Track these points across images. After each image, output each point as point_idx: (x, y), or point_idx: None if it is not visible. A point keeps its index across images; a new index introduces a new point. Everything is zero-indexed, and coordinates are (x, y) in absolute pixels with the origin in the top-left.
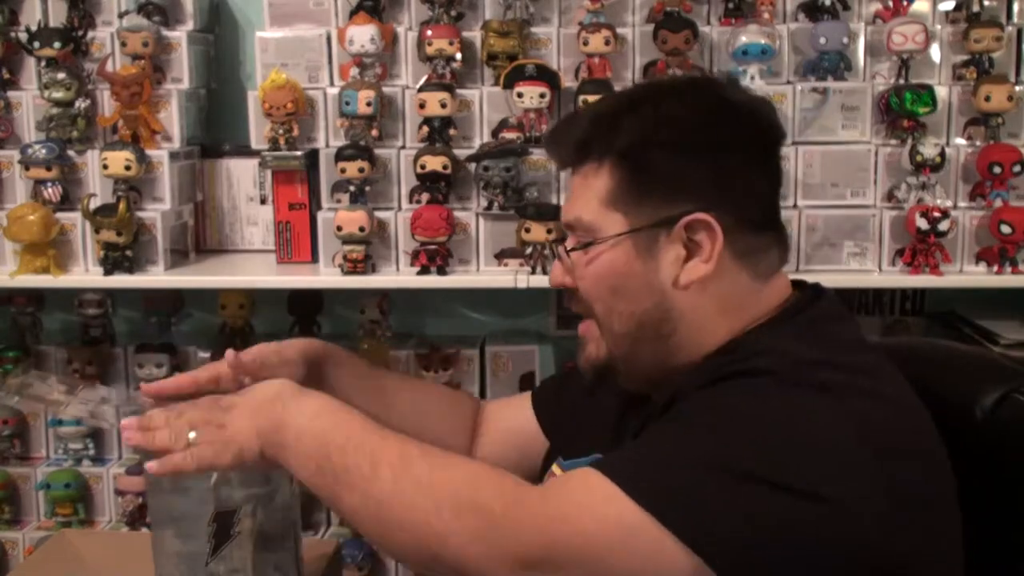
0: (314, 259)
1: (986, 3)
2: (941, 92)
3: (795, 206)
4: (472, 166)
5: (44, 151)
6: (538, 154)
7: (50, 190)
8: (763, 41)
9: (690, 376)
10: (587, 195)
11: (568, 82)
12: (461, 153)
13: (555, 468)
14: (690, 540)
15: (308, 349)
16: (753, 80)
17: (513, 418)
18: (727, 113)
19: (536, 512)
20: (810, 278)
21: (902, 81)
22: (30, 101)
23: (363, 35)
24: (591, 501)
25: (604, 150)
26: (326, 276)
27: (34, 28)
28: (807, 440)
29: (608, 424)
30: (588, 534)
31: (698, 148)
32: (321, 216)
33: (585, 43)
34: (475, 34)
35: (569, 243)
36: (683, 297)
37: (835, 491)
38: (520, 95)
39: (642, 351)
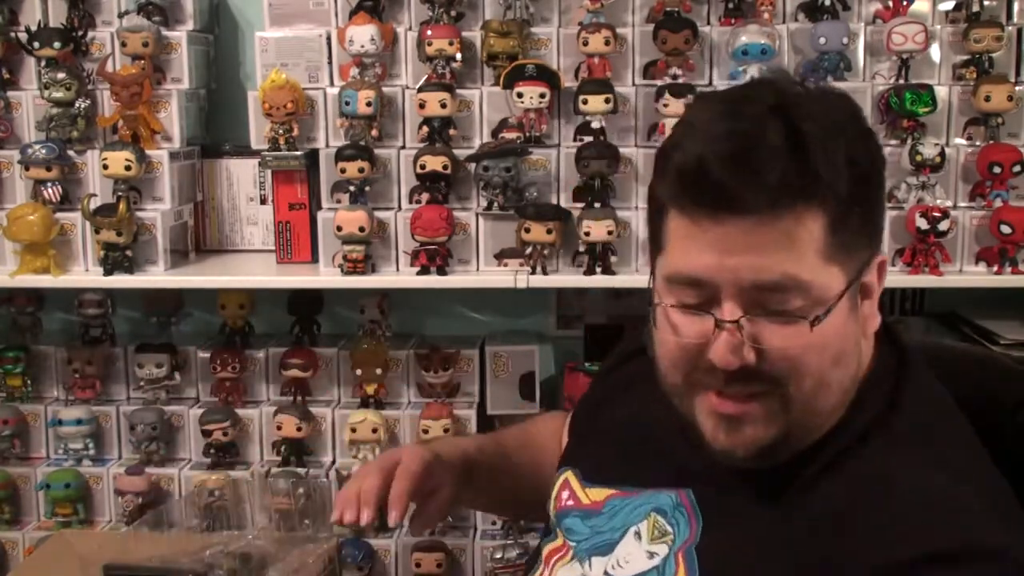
0: (314, 259)
1: (986, 3)
2: (941, 92)
3: None
4: (472, 166)
5: (44, 151)
6: (538, 154)
7: (50, 190)
8: (763, 41)
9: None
10: (794, 248)
11: (568, 82)
12: (461, 153)
13: (571, 478)
14: None
15: (463, 462)
16: None
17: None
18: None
19: None
20: None
21: (902, 81)
22: (30, 101)
23: (363, 35)
24: None
25: (809, 195)
26: (326, 276)
27: (34, 28)
28: None
29: (669, 460)
30: None
31: (881, 179)
32: (321, 216)
33: (585, 43)
34: (475, 34)
35: (778, 308)
36: (859, 351)
37: None
38: (520, 95)
39: (821, 424)
